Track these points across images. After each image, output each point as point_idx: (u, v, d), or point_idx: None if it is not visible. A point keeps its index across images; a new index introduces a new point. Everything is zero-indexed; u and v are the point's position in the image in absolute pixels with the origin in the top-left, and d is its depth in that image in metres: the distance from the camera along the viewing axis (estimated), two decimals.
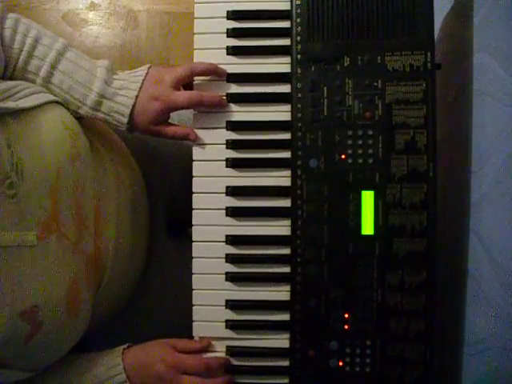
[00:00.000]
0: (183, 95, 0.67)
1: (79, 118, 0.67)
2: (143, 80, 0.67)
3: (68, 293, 0.59)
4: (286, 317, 0.66)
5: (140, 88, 0.67)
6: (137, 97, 0.67)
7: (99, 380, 0.63)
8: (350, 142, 0.65)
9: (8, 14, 0.65)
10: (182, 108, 0.68)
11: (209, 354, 0.67)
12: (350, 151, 0.65)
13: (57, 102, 0.64)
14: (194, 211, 0.68)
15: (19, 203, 0.54)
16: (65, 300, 0.59)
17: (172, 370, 0.64)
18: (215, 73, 0.68)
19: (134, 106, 0.67)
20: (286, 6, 0.67)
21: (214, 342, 0.67)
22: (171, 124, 0.70)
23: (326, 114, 0.66)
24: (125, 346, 0.66)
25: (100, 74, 0.67)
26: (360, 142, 0.65)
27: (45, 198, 0.58)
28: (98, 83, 0.66)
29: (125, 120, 0.67)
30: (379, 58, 0.65)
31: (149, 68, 0.69)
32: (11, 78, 0.66)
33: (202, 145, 0.68)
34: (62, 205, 0.60)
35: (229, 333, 0.67)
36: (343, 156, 0.65)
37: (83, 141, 0.65)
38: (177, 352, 0.66)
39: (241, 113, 0.68)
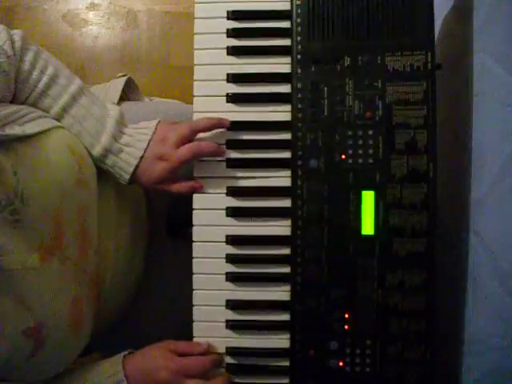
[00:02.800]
0: (184, 149, 0.66)
1: None
2: (149, 140, 0.67)
3: (71, 310, 0.59)
4: (286, 317, 0.66)
5: (146, 148, 0.66)
6: (142, 157, 0.66)
7: None
8: (350, 142, 0.65)
9: (29, 45, 0.64)
10: (186, 162, 0.67)
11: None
12: (350, 151, 0.65)
13: (63, 127, 0.64)
14: (194, 211, 0.68)
15: (22, 228, 0.54)
16: (68, 317, 0.59)
17: (175, 376, 0.63)
18: (219, 126, 0.67)
19: (137, 166, 0.66)
20: (286, 6, 0.67)
21: (214, 342, 0.67)
22: (176, 180, 0.68)
23: (326, 114, 0.66)
24: (125, 352, 0.66)
25: (109, 127, 0.66)
26: (360, 142, 0.65)
27: (48, 223, 0.57)
28: (106, 137, 0.66)
29: (127, 177, 0.67)
30: (379, 58, 0.65)
31: (157, 125, 0.68)
32: None
33: None
34: (65, 228, 0.60)
35: (229, 333, 0.67)
36: (343, 156, 0.65)
37: (90, 165, 0.65)
38: (178, 357, 0.65)
39: (241, 113, 0.68)
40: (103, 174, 0.69)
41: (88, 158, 0.65)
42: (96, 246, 0.66)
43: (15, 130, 0.56)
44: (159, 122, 0.69)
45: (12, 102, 0.63)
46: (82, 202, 0.63)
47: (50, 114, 0.65)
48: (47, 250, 0.57)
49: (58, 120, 0.65)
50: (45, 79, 0.64)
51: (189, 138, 0.67)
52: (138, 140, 0.67)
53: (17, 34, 0.63)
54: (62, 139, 0.62)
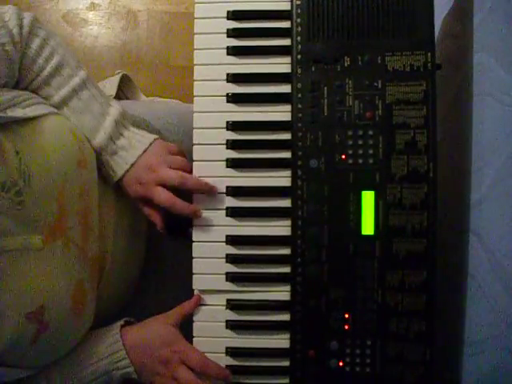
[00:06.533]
0: (164, 195, 0.66)
1: None
2: (144, 150, 0.67)
3: (74, 294, 0.60)
4: (286, 317, 0.66)
5: (139, 156, 0.67)
6: (133, 164, 0.66)
7: (98, 358, 0.63)
8: (350, 142, 0.65)
9: (38, 31, 0.64)
10: (158, 204, 0.66)
11: (210, 355, 0.67)
12: (350, 151, 0.65)
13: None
14: None
15: (26, 209, 0.55)
16: (70, 301, 0.59)
17: (176, 356, 0.64)
18: (205, 192, 0.67)
19: (127, 171, 0.67)
20: (286, 6, 0.67)
21: (214, 342, 0.67)
22: (149, 204, 0.68)
23: (326, 114, 0.66)
24: (121, 321, 0.66)
25: (107, 127, 0.66)
26: (360, 142, 0.65)
27: (51, 204, 0.58)
28: (103, 136, 0.66)
29: (115, 179, 0.68)
30: (379, 58, 0.65)
31: (155, 140, 0.68)
32: None
33: (201, 145, 0.68)
34: (68, 210, 0.61)
35: (229, 333, 0.67)
36: (343, 156, 0.65)
37: (89, 148, 0.66)
38: (182, 337, 0.65)
39: (241, 113, 0.68)
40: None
41: (87, 142, 0.66)
42: (97, 231, 0.66)
43: (17, 113, 0.57)
44: (156, 138, 0.69)
45: (15, 86, 0.63)
46: (84, 185, 0.63)
47: (49, 102, 0.65)
48: (50, 232, 0.57)
49: (57, 109, 0.65)
50: (48, 69, 0.64)
51: (172, 187, 0.66)
52: (133, 147, 0.67)
53: (26, 18, 0.63)
54: (62, 122, 0.63)
